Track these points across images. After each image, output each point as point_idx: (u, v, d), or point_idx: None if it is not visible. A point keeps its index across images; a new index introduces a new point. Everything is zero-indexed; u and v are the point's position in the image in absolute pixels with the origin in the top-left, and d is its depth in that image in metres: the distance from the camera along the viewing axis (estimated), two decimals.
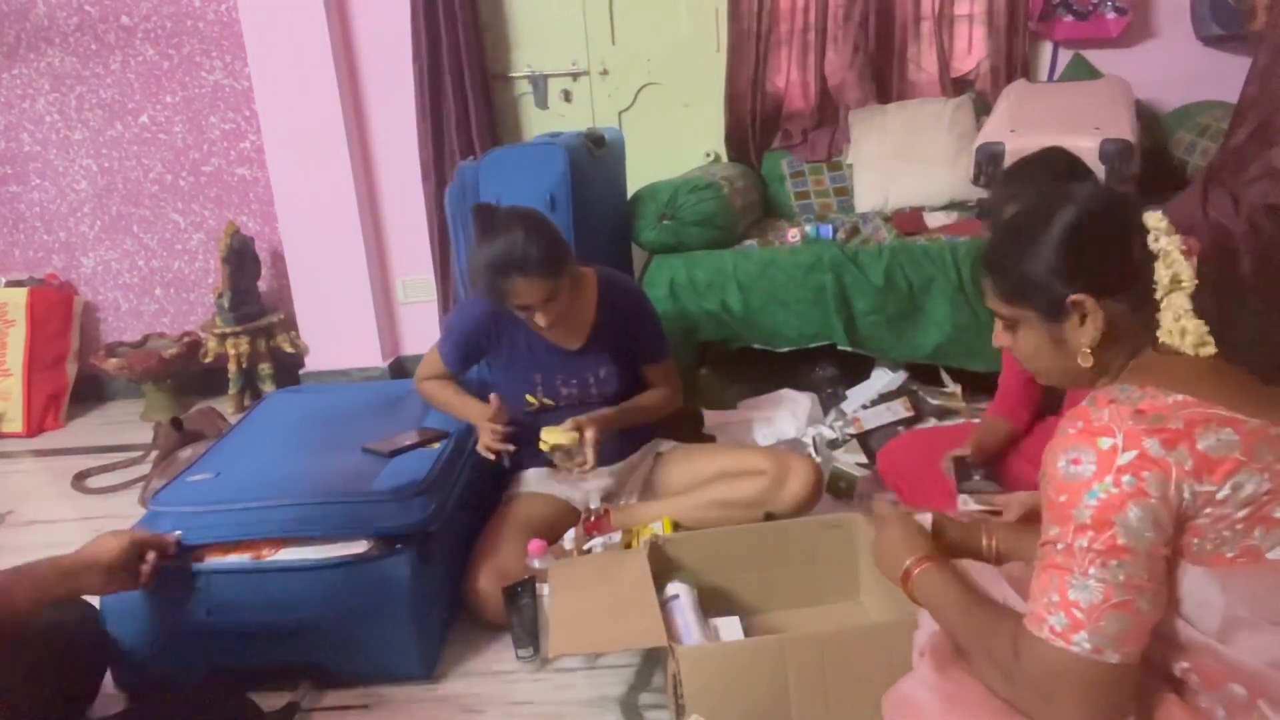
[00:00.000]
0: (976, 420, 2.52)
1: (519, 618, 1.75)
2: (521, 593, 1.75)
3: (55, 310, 3.50)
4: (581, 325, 2.06)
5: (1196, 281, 0.99)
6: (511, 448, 1.98)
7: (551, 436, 1.94)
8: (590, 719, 1.65)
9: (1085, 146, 2.53)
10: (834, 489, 2.30)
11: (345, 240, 3.36)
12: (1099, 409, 0.96)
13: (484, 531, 2.01)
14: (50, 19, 3.33)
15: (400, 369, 3.54)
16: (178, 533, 1.70)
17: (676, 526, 1.98)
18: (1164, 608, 0.94)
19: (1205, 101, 2.93)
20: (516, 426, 2.03)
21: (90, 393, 3.64)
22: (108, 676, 1.73)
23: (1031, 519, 1.58)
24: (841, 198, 3.25)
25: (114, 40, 3.34)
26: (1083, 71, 3.12)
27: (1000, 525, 1.42)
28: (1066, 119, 2.72)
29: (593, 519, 2.04)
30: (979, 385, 2.71)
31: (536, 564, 1.85)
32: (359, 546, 1.72)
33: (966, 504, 1.78)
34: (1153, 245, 1.01)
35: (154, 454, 2.92)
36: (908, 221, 2.88)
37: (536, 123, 3.46)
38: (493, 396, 2.03)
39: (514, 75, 3.43)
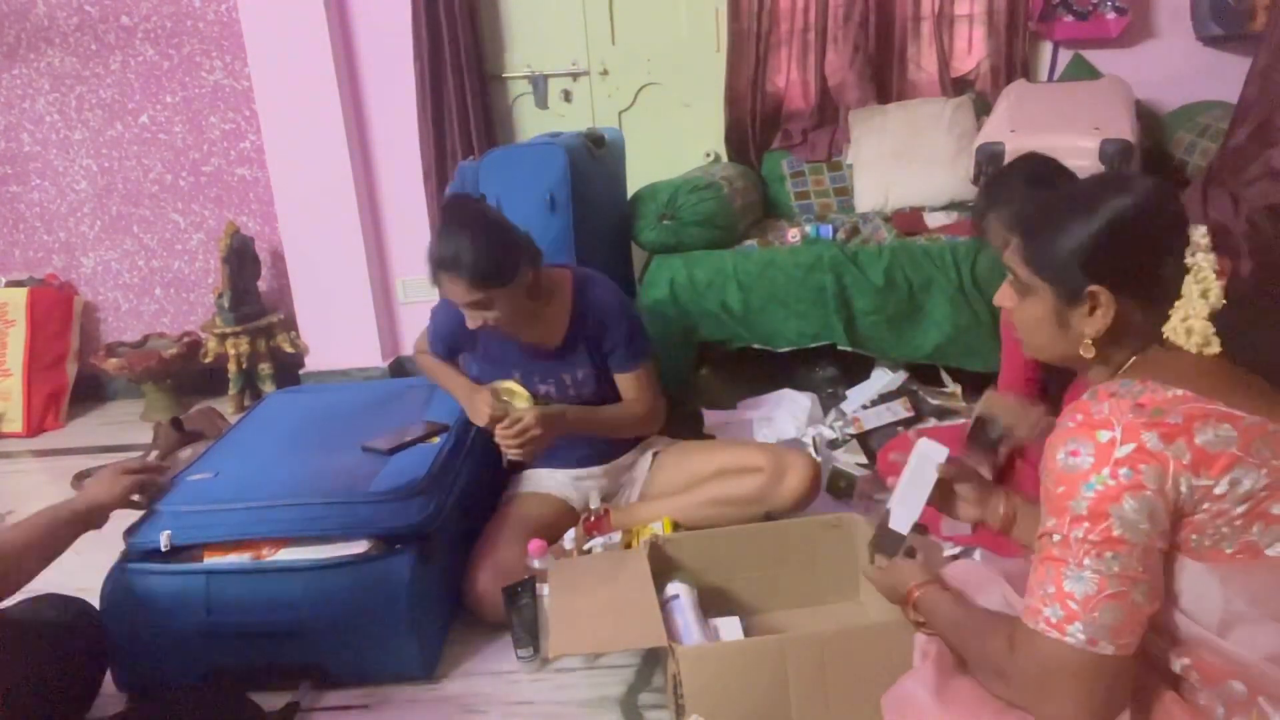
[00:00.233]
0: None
1: (519, 618, 1.75)
2: (521, 593, 1.75)
3: (55, 310, 3.50)
4: (557, 326, 2.03)
5: (1224, 302, 0.99)
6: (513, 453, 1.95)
7: (508, 387, 1.98)
8: (590, 719, 1.65)
9: (1085, 146, 2.54)
10: (834, 489, 2.30)
11: (345, 240, 3.36)
12: (1099, 402, 0.96)
13: (484, 531, 2.01)
14: (50, 19, 3.33)
15: (400, 369, 3.54)
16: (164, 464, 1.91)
17: (676, 526, 1.98)
18: (1159, 600, 0.95)
19: (1205, 101, 2.93)
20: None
21: (90, 393, 3.64)
22: (108, 676, 1.73)
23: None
24: (841, 198, 3.25)
25: (114, 40, 3.34)
26: (1083, 71, 3.12)
27: (1020, 495, 1.38)
28: (1066, 119, 2.72)
29: (593, 519, 2.04)
30: (979, 385, 2.71)
31: (536, 564, 1.85)
32: (359, 546, 1.72)
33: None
34: (1188, 259, 1.00)
35: (154, 454, 2.91)
36: (908, 221, 2.88)
37: (536, 123, 3.45)
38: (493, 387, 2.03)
39: (514, 75, 3.43)
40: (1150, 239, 1.02)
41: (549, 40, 3.39)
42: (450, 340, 2.12)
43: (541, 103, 3.45)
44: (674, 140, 3.45)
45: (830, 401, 2.75)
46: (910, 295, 2.63)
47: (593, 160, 2.62)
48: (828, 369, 2.84)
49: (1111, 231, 1.01)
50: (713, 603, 1.75)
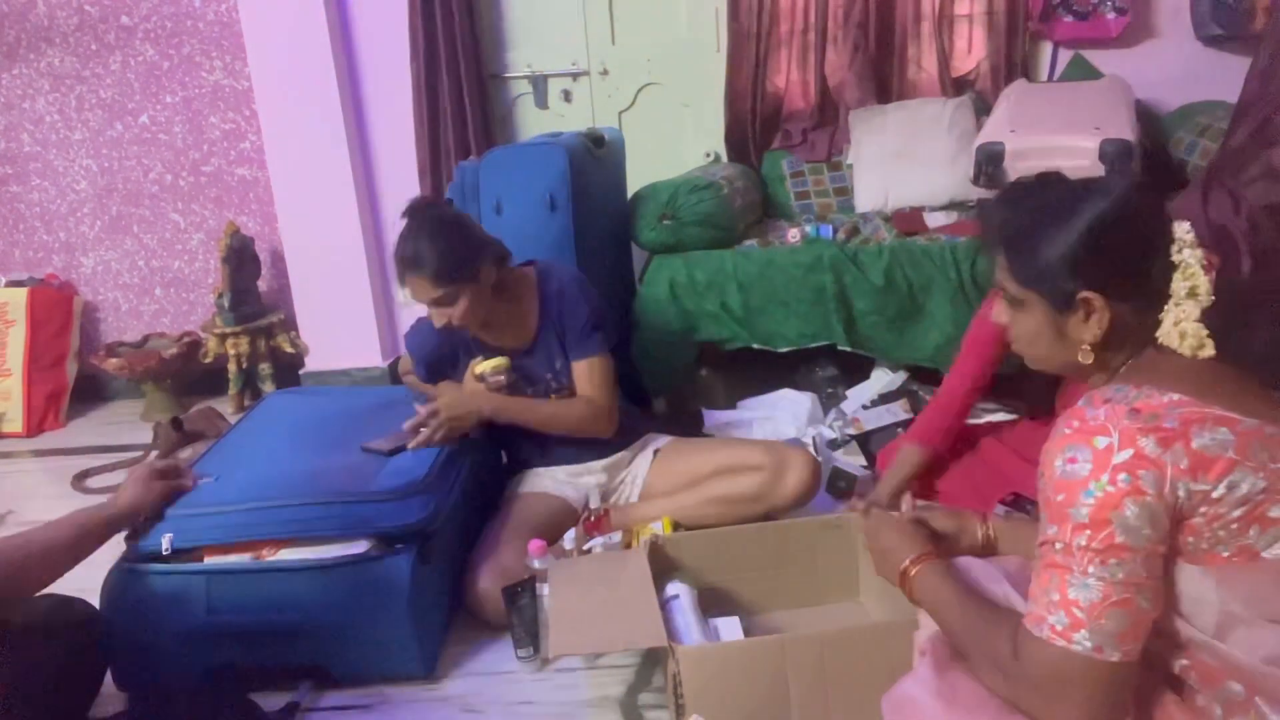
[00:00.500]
0: (976, 420, 2.53)
1: (519, 618, 1.75)
2: (521, 593, 1.75)
3: (55, 310, 3.50)
4: (527, 324, 2.07)
5: (1213, 298, 0.99)
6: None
7: (489, 364, 2.03)
8: (590, 719, 1.65)
9: (1085, 146, 2.53)
10: (834, 489, 2.30)
11: (345, 240, 3.36)
12: (1095, 408, 0.96)
13: (484, 531, 2.01)
14: (50, 19, 3.33)
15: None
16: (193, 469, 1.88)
17: (677, 526, 1.98)
18: (1162, 605, 0.95)
19: (1205, 101, 2.93)
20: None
21: (90, 393, 3.64)
22: (108, 676, 1.73)
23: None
24: (841, 198, 3.25)
25: (114, 40, 3.34)
26: (1083, 71, 3.12)
27: (996, 516, 1.41)
28: (1066, 119, 2.72)
29: (593, 519, 2.04)
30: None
31: (536, 564, 1.85)
32: (359, 546, 1.72)
33: None
34: (1175, 256, 1.00)
35: (154, 454, 2.92)
36: (908, 221, 2.88)
37: (536, 123, 3.45)
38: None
39: (513, 75, 3.43)
40: (1133, 239, 1.02)
41: (549, 40, 3.39)
42: (430, 361, 2.15)
43: (541, 103, 3.45)
44: (674, 140, 3.45)
45: (830, 401, 2.75)
46: (910, 295, 2.63)
47: (593, 160, 2.62)
48: (828, 369, 2.84)
49: (1094, 235, 1.02)
50: (713, 603, 1.76)
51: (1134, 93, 2.89)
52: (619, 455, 2.19)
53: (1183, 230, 1.01)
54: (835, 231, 2.82)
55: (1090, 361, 1.05)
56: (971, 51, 3.26)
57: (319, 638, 1.70)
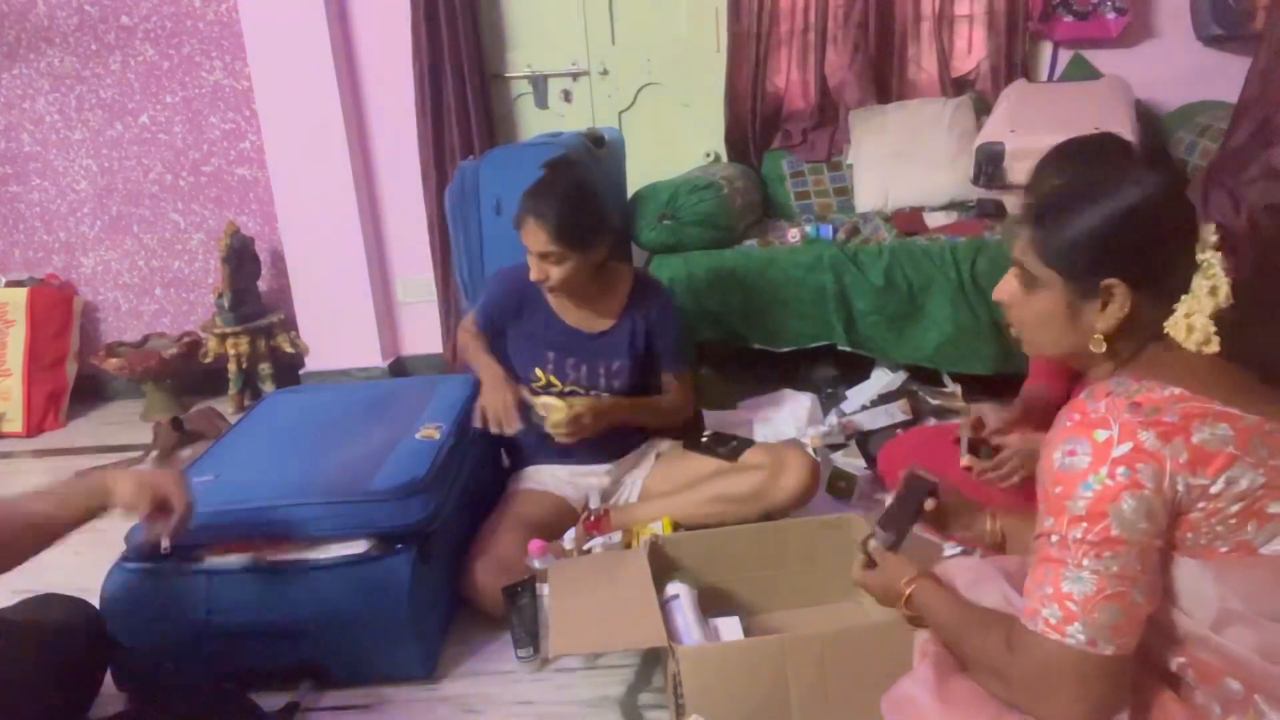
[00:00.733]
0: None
1: (519, 618, 1.75)
2: (521, 593, 1.75)
3: (55, 310, 3.50)
4: (604, 315, 2.11)
5: (1231, 302, 0.98)
6: (505, 431, 2.01)
7: (544, 399, 2.01)
8: (590, 719, 1.65)
9: None
10: (834, 489, 2.30)
11: (345, 240, 3.36)
12: (1095, 401, 0.96)
13: (483, 526, 2.01)
14: (50, 19, 3.33)
15: (400, 369, 3.54)
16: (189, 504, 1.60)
17: (677, 526, 1.98)
18: (1157, 599, 0.95)
19: (1205, 101, 2.93)
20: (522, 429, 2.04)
21: (90, 393, 3.64)
22: (108, 676, 1.73)
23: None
24: (841, 198, 3.25)
25: (114, 40, 3.34)
26: (1083, 71, 3.12)
27: (1005, 510, 1.41)
28: (1066, 119, 2.72)
29: (593, 519, 2.04)
30: (979, 386, 2.72)
31: (536, 564, 1.85)
32: (359, 546, 1.72)
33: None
34: (1199, 255, 1.00)
35: (154, 454, 2.92)
36: (908, 221, 2.88)
37: (536, 123, 3.45)
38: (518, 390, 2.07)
39: (514, 75, 3.43)
40: (1166, 231, 1.01)
41: (549, 40, 3.39)
42: (497, 313, 2.16)
43: (541, 103, 3.45)
44: (674, 140, 3.45)
45: (830, 401, 2.75)
46: (910, 295, 2.63)
47: (593, 160, 2.62)
48: (828, 369, 2.84)
49: (1129, 221, 1.00)
50: (713, 603, 1.75)
51: (1134, 93, 2.89)
52: (626, 458, 2.19)
53: (1209, 231, 1.00)
54: (835, 231, 2.82)
55: (1101, 351, 1.04)
56: (971, 51, 3.26)
57: (319, 638, 1.70)
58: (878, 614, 1.74)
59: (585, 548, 1.96)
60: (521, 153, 2.61)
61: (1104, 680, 0.93)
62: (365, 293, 3.42)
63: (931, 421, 2.58)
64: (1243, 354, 1.04)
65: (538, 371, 2.12)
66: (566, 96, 3.45)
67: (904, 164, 3.05)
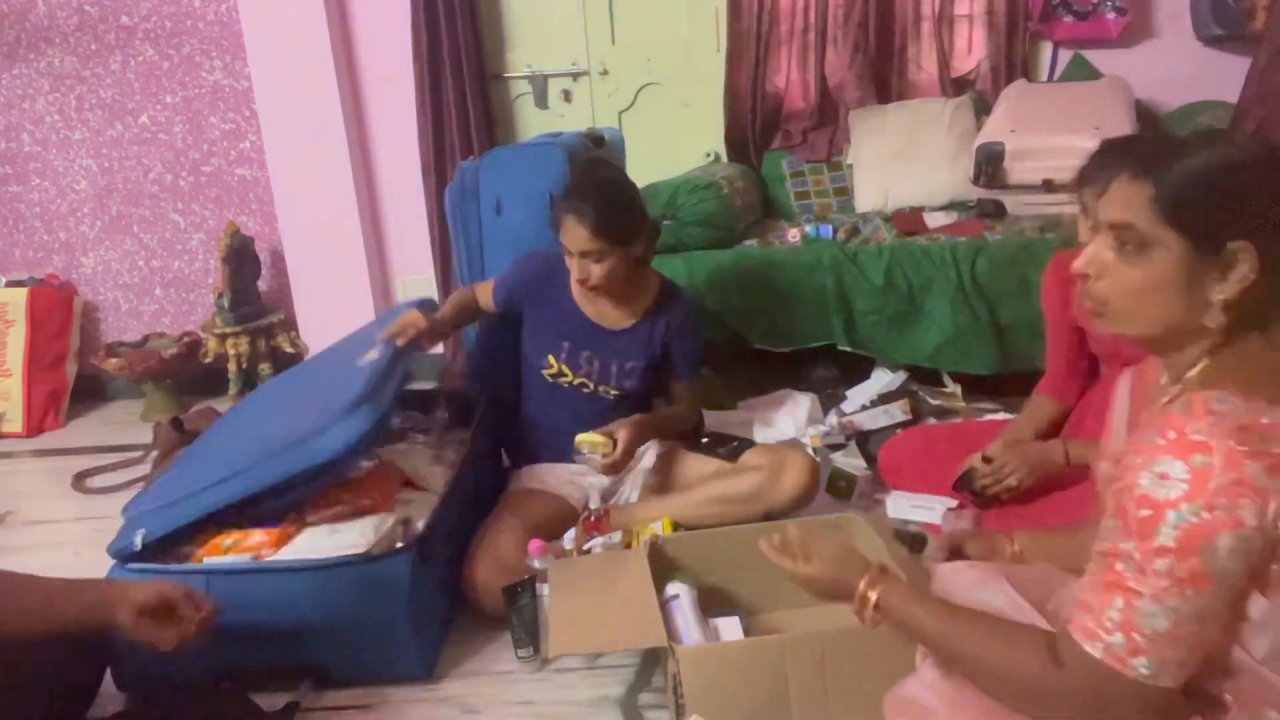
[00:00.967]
0: (977, 420, 2.53)
1: (519, 618, 1.75)
2: (521, 593, 1.75)
3: (55, 310, 3.50)
4: (627, 314, 2.12)
5: None
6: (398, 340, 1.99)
7: (586, 438, 1.99)
8: (590, 719, 1.65)
9: (1085, 147, 2.52)
10: (834, 489, 2.30)
11: (345, 240, 3.36)
12: (1195, 420, 0.85)
13: (483, 525, 2.01)
14: (50, 19, 3.33)
15: None
16: (212, 599, 1.51)
17: (677, 527, 1.98)
18: (1229, 635, 0.90)
19: (1205, 101, 2.93)
20: (525, 426, 2.06)
21: (90, 393, 3.64)
22: (108, 676, 1.73)
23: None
24: (841, 198, 3.25)
25: (114, 40, 3.34)
26: (1083, 71, 3.12)
27: (1021, 530, 1.39)
28: (1066, 119, 2.72)
29: (593, 519, 2.04)
30: (979, 386, 2.72)
31: (536, 564, 1.85)
32: (359, 546, 1.72)
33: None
34: None
35: (154, 454, 2.92)
36: (908, 221, 2.88)
37: (536, 123, 3.45)
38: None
39: (514, 75, 3.43)
40: None
41: (549, 40, 3.39)
42: (519, 292, 2.16)
43: (541, 103, 3.45)
44: (674, 140, 3.45)
45: (830, 401, 2.75)
46: (910, 295, 2.63)
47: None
48: (828, 369, 2.84)
49: (1260, 176, 0.89)
50: (712, 603, 1.75)
51: (1134, 93, 2.89)
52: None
53: None
54: (835, 231, 2.82)
55: (1216, 325, 0.91)
56: (971, 51, 3.26)
57: (319, 638, 1.70)
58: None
59: (585, 548, 1.96)
60: (521, 153, 2.60)
61: (1161, 711, 0.89)
62: (365, 293, 3.42)
63: (931, 421, 2.58)
64: None
65: (550, 359, 2.13)
66: (566, 96, 3.45)
67: (904, 164, 3.05)
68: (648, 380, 2.16)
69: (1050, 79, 3.20)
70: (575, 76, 3.42)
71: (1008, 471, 1.90)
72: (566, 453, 2.13)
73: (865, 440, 2.53)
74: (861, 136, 3.16)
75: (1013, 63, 3.15)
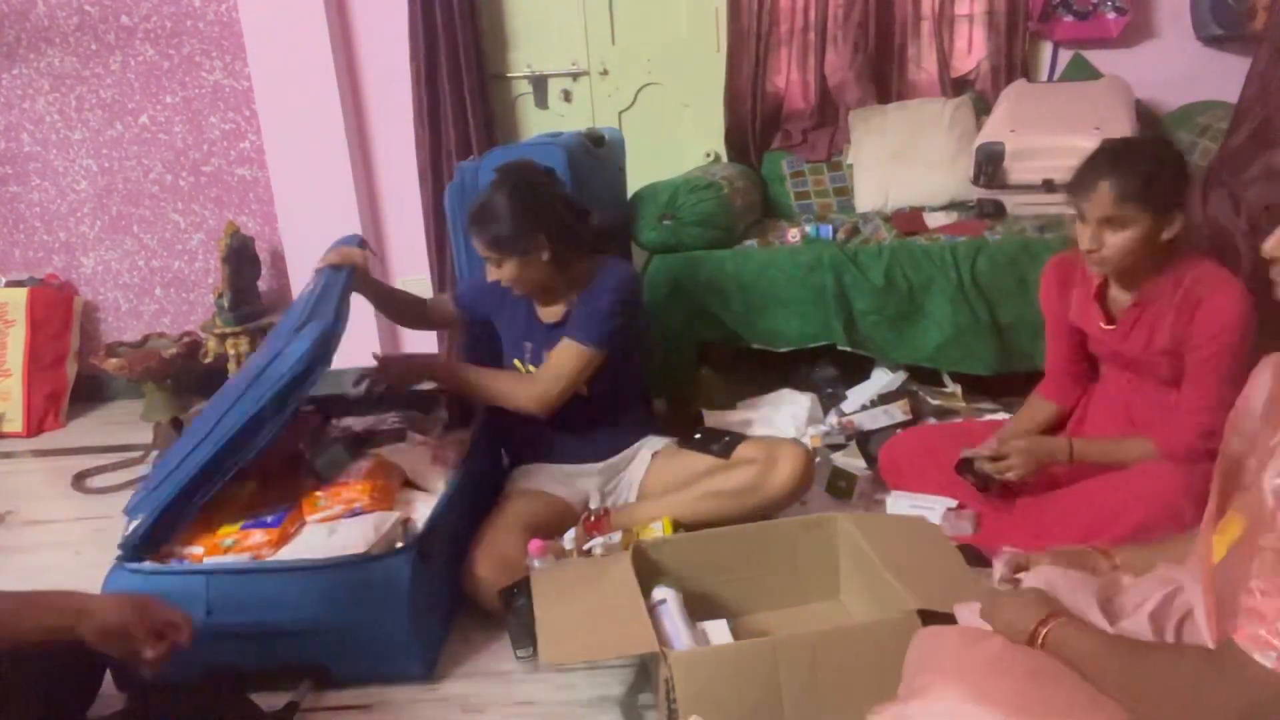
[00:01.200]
0: (977, 420, 2.53)
1: (517, 618, 1.75)
2: (519, 593, 1.75)
3: (55, 310, 3.50)
4: (564, 305, 2.13)
5: None
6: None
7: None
8: (590, 719, 1.65)
9: (1085, 147, 2.52)
10: (834, 489, 2.30)
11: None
12: None
13: (484, 523, 2.01)
14: (50, 19, 3.33)
15: None
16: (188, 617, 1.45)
17: (677, 526, 1.98)
18: None
19: (1205, 101, 2.93)
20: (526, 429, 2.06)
21: (90, 393, 3.64)
22: (108, 676, 1.73)
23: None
24: (841, 198, 3.25)
25: (114, 40, 3.34)
26: (1083, 71, 3.12)
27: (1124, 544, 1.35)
28: (1066, 119, 2.72)
29: (593, 519, 2.04)
30: (979, 386, 2.71)
31: (536, 564, 1.85)
32: (359, 546, 1.72)
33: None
34: None
35: (154, 454, 2.92)
36: (908, 221, 2.88)
37: (536, 123, 3.45)
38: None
39: (513, 75, 3.43)
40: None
41: (549, 40, 3.39)
42: (478, 299, 2.28)
43: (541, 103, 3.45)
44: (674, 140, 3.45)
45: (830, 401, 2.75)
46: (910, 295, 2.63)
47: (592, 160, 2.62)
48: (828, 369, 2.84)
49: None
50: (697, 606, 1.74)
51: (1134, 93, 2.89)
52: (616, 458, 2.20)
53: None
54: (835, 231, 2.82)
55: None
56: (971, 51, 3.26)
57: (319, 638, 1.70)
58: (859, 613, 1.75)
59: (585, 548, 1.96)
60: (521, 153, 2.59)
61: None
62: None
63: (931, 421, 2.58)
64: None
65: (516, 362, 2.19)
66: (566, 96, 3.45)
67: (904, 164, 3.05)
68: (610, 370, 2.09)
69: (1050, 79, 3.20)
70: (575, 76, 3.42)
71: (1008, 465, 1.91)
72: (564, 453, 2.14)
73: (865, 440, 2.53)
74: (861, 136, 3.16)
75: (1013, 63, 3.15)
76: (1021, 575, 1.31)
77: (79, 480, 2.87)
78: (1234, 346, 1.71)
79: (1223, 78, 2.86)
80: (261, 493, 1.92)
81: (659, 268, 2.76)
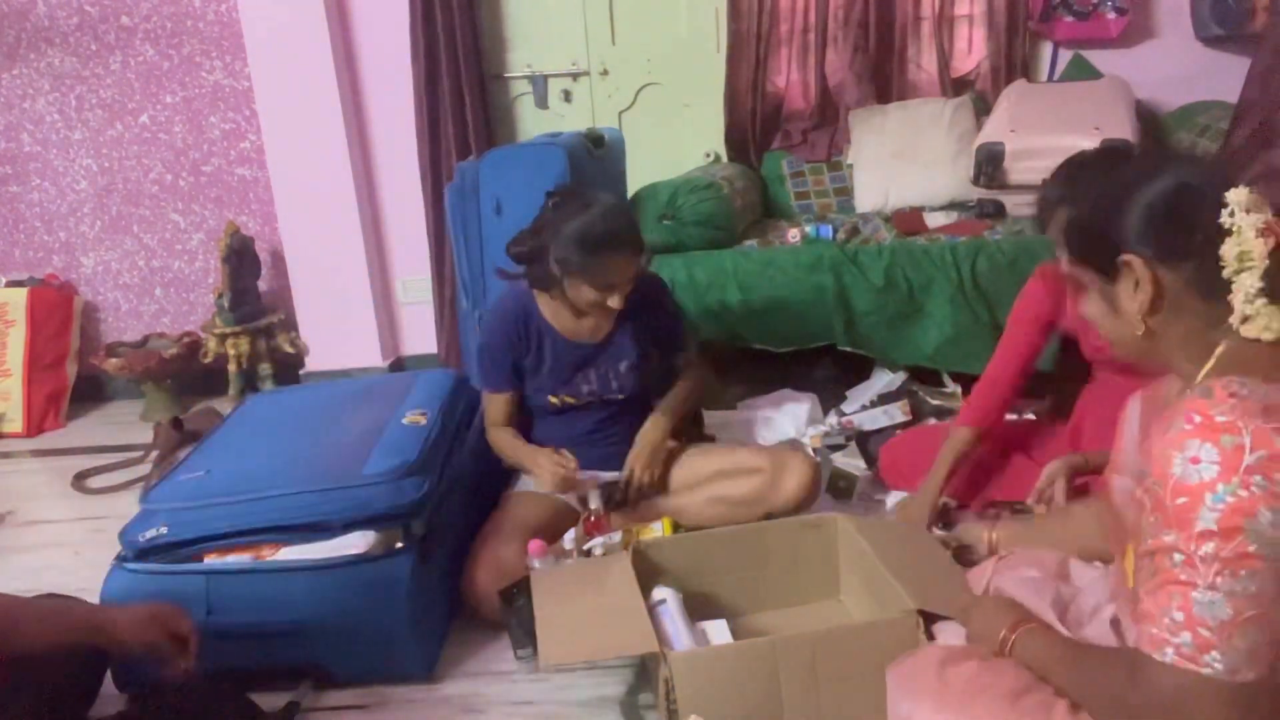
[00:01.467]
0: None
1: (517, 618, 1.75)
2: (518, 594, 1.75)
3: (55, 310, 3.50)
4: (603, 320, 2.08)
5: (1268, 262, 0.90)
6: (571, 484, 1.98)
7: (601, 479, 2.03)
8: (590, 719, 1.65)
9: (1085, 147, 2.53)
10: (834, 489, 2.30)
11: (345, 240, 3.36)
12: (1218, 403, 0.87)
13: (483, 528, 2.01)
14: (50, 19, 3.33)
15: (400, 369, 3.54)
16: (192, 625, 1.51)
17: (677, 527, 1.98)
18: None
19: (1205, 101, 2.93)
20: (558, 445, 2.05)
21: (90, 393, 3.64)
22: (108, 676, 1.73)
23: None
24: (841, 198, 3.25)
25: (114, 40, 3.34)
26: (1083, 71, 3.12)
27: (1002, 521, 1.42)
28: (1066, 119, 2.72)
29: (593, 519, 2.04)
30: None
31: (536, 564, 1.85)
32: (359, 546, 1.72)
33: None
34: (1226, 220, 0.92)
35: (154, 454, 2.92)
36: (908, 221, 2.88)
37: (536, 123, 3.46)
38: (564, 452, 2.00)
39: (513, 75, 3.43)
40: (1181, 202, 0.95)
41: (549, 40, 3.39)
42: (513, 357, 2.06)
43: (541, 103, 3.45)
44: (674, 140, 3.45)
45: (830, 401, 2.75)
46: (910, 295, 2.63)
47: (593, 160, 2.62)
48: (828, 369, 2.84)
49: (1130, 194, 0.97)
50: (697, 606, 1.73)
51: (1134, 93, 2.90)
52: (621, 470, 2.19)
53: (1236, 194, 0.93)
54: (835, 231, 2.82)
55: (1141, 333, 0.98)
56: (971, 51, 3.26)
57: (319, 638, 1.70)
58: (859, 612, 1.75)
59: (585, 548, 1.96)
60: (521, 153, 2.61)
61: (1246, 709, 0.86)
62: (365, 293, 3.43)
63: (931, 422, 2.58)
64: None
65: (550, 399, 2.09)
66: (566, 96, 3.45)
67: (904, 164, 3.05)
68: (643, 373, 2.13)
69: (1050, 79, 3.20)
70: (575, 76, 3.42)
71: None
72: (585, 456, 2.09)
73: (865, 440, 2.53)
74: (861, 136, 3.16)
75: (1013, 63, 3.15)
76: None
77: (79, 480, 2.87)
78: None
79: (1223, 78, 2.86)
80: None
81: (659, 268, 2.76)
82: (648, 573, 1.72)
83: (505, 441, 2.11)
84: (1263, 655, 0.85)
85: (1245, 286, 0.91)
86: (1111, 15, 3.06)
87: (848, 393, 2.77)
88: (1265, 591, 0.84)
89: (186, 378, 3.50)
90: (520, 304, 2.06)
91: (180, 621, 1.46)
